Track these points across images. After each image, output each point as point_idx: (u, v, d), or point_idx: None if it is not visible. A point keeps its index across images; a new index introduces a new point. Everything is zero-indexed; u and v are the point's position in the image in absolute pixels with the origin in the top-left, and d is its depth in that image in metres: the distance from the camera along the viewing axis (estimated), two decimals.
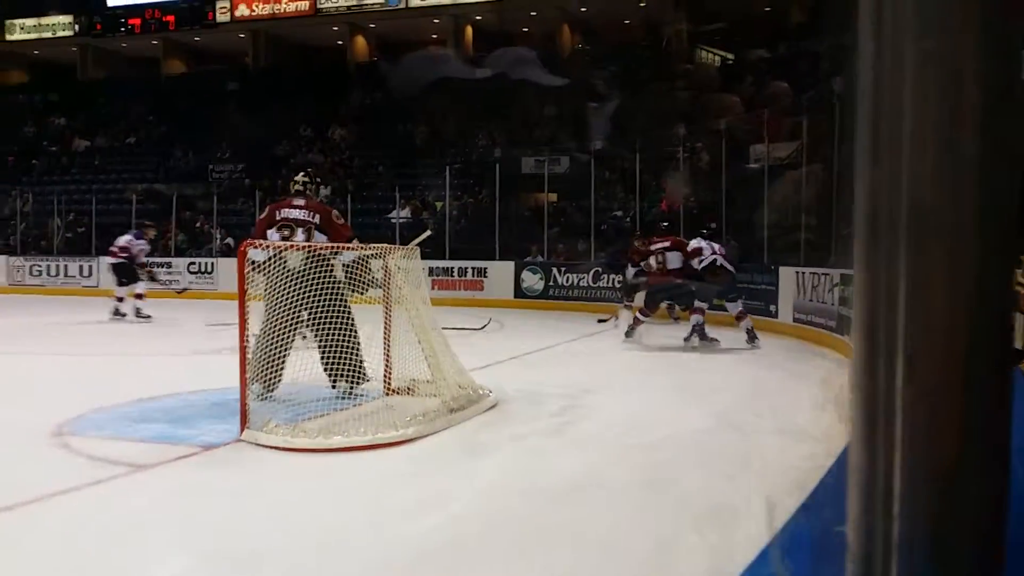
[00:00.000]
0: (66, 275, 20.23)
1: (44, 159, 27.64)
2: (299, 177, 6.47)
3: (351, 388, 5.60)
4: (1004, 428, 0.49)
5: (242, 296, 5.03)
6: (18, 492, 3.65)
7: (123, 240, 12.95)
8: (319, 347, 5.66)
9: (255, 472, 4.25)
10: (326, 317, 5.50)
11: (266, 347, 5.43)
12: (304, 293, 5.42)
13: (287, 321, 5.48)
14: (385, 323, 5.84)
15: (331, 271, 5.60)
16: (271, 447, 4.55)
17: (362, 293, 5.75)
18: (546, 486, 3.96)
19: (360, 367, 5.69)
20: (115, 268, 12.85)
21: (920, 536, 0.50)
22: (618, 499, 3.79)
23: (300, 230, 6.01)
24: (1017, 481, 0.89)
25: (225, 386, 5.45)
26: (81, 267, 20.15)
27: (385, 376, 5.83)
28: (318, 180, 6.62)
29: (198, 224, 21.69)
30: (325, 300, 5.47)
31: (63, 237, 22.19)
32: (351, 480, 4.12)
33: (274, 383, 5.50)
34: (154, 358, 8.77)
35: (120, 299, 12.90)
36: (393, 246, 6.06)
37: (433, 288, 15.17)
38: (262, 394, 5.31)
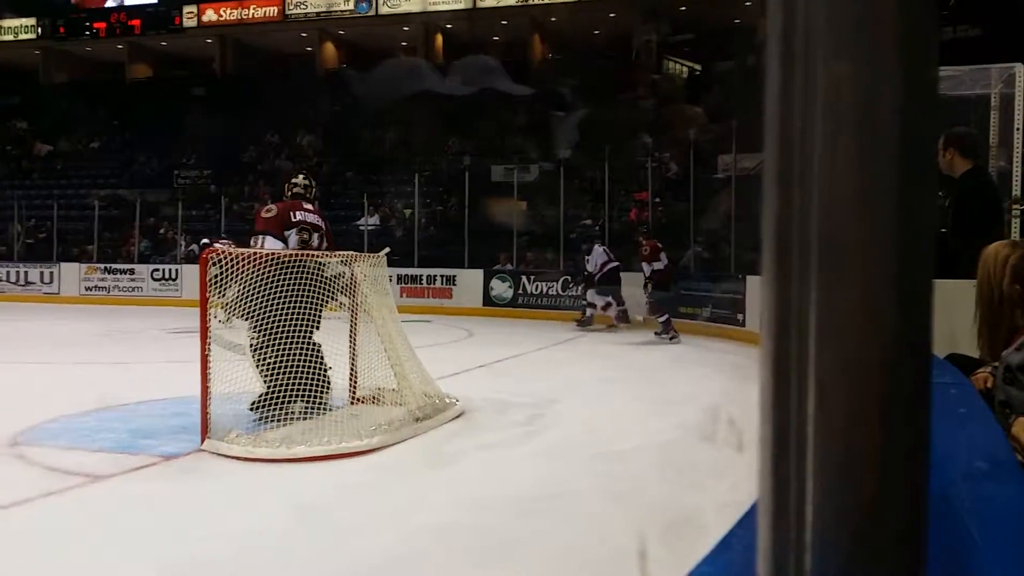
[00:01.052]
0: (27, 282, 19.85)
1: (4, 164, 27.15)
2: (299, 179, 6.11)
3: (322, 398, 5.49)
4: (923, 460, 0.48)
5: (204, 304, 4.96)
6: None
7: None
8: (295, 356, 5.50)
9: (215, 482, 4.19)
10: (309, 329, 5.40)
11: (281, 353, 5.20)
12: (311, 293, 5.29)
13: (298, 322, 5.28)
14: (351, 331, 5.79)
15: (323, 274, 5.51)
16: (232, 457, 4.50)
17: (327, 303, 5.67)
18: (510, 496, 3.94)
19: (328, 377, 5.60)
20: None
21: (834, 571, 0.49)
22: (582, 510, 3.79)
23: (316, 235, 5.85)
24: (955, 504, 0.89)
25: (187, 395, 5.36)
26: (42, 273, 19.79)
27: (350, 385, 5.78)
28: (316, 183, 6.32)
29: (162, 230, 21.42)
30: (316, 312, 5.39)
31: (23, 243, 21.78)
32: (312, 491, 4.07)
33: (325, 388, 5.33)
34: (115, 367, 8.62)
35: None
36: (360, 254, 6.01)
37: (401, 296, 15.14)
38: (317, 406, 5.16)
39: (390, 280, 6.88)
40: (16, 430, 5.01)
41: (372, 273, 5.77)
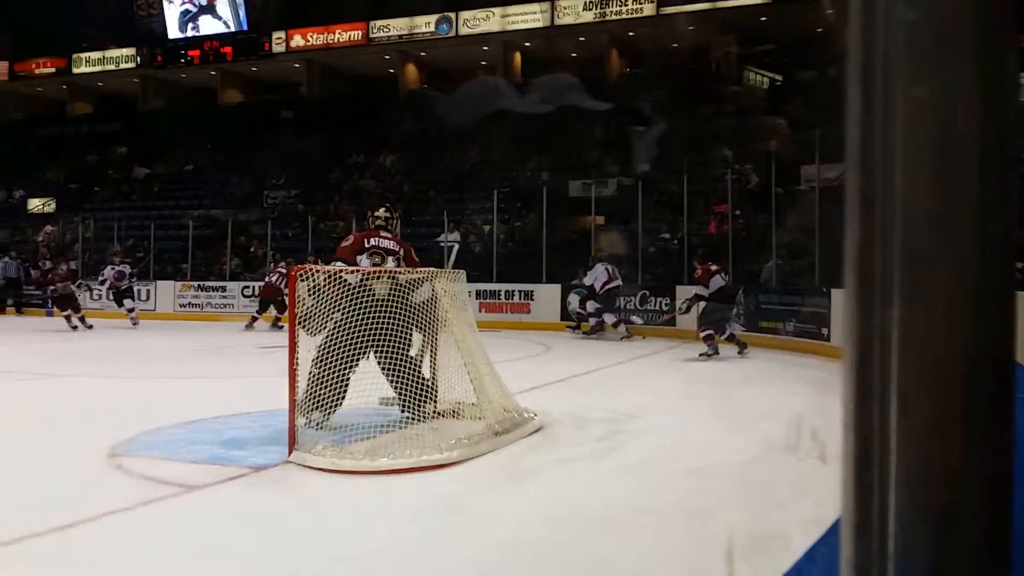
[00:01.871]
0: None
1: (106, 187, 28.53)
2: (380, 212, 6.44)
3: (423, 410, 5.62)
4: (1006, 471, 0.49)
5: (292, 319, 5.13)
6: (75, 511, 3.75)
7: None
8: (389, 374, 5.65)
9: (302, 493, 4.31)
10: (399, 346, 5.52)
11: (335, 371, 5.39)
12: (385, 320, 5.43)
13: (359, 346, 5.47)
14: (431, 346, 5.89)
15: (410, 302, 5.65)
16: (318, 468, 4.60)
17: (424, 332, 5.78)
18: (589, 512, 3.94)
19: (429, 389, 5.73)
20: None
21: None
22: (662, 527, 3.76)
23: (391, 259, 6.10)
24: None
25: (275, 408, 5.53)
26: (139, 291, 20.65)
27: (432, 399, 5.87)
28: (398, 215, 6.66)
29: (252, 249, 22.14)
30: (402, 329, 5.52)
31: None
32: (396, 502, 4.15)
33: (335, 407, 5.47)
34: (207, 380, 8.95)
35: None
36: (439, 270, 6.13)
37: (480, 311, 15.27)
38: (321, 422, 5.29)
39: (469, 295, 6.99)
40: (115, 441, 5.25)
41: (452, 288, 5.86)
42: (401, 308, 5.51)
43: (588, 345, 13.11)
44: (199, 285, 20.35)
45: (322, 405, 5.34)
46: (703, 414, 6.81)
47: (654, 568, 3.25)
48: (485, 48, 28.76)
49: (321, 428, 5.22)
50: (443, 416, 5.73)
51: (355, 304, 5.44)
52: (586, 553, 3.41)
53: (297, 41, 30.51)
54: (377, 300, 5.46)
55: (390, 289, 5.58)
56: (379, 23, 29.34)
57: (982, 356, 0.48)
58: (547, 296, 16.62)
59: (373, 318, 5.39)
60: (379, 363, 5.63)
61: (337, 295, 5.44)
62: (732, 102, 23.25)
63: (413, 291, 5.69)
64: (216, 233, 22.59)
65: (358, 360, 5.52)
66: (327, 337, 5.53)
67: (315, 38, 30.30)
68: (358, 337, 5.39)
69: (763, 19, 25.07)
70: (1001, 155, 0.48)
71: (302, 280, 5.39)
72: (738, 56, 25.50)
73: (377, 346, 5.49)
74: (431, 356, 5.90)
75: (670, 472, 4.75)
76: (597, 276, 13.95)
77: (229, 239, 21.33)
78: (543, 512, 3.97)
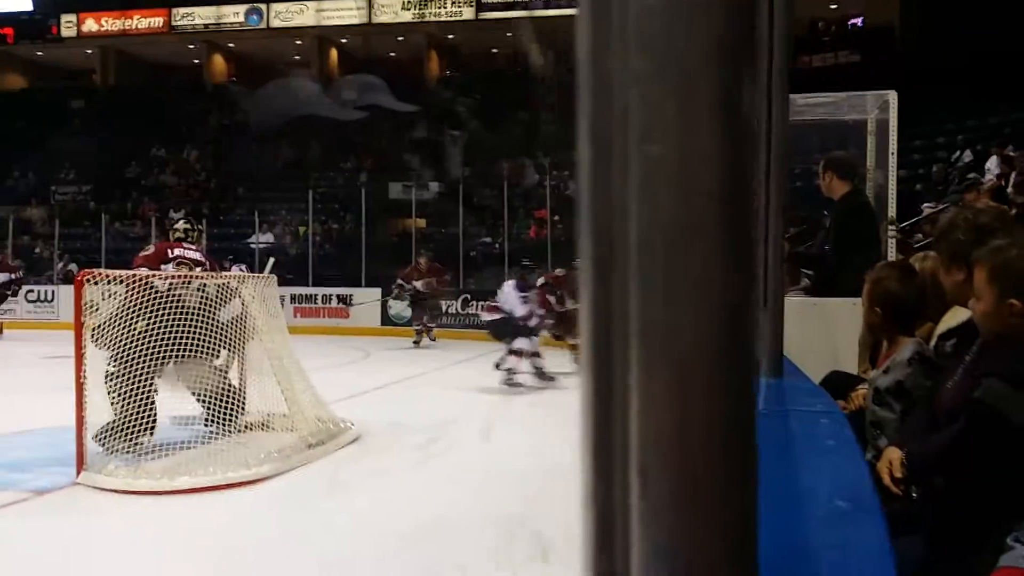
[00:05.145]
0: None
1: None
2: (180, 224, 6.21)
3: (231, 423, 5.29)
4: (752, 542, 0.46)
5: (78, 328, 4.71)
6: None
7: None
8: (192, 385, 5.33)
9: (92, 519, 4.00)
10: (203, 355, 5.19)
11: (139, 384, 5.01)
12: (191, 331, 5.09)
13: (161, 358, 5.10)
14: (239, 354, 5.60)
15: (215, 312, 5.31)
16: (111, 490, 4.31)
17: (231, 351, 5.46)
18: (407, 524, 3.85)
19: (237, 400, 5.39)
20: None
21: None
22: (480, 536, 3.73)
23: (199, 270, 5.78)
24: (810, 551, 0.89)
25: (61, 425, 5.04)
26: None
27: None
28: (199, 228, 6.36)
29: (37, 250, 20.30)
30: (208, 340, 5.19)
31: None
32: (197, 524, 3.90)
33: (150, 429, 5.05)
34: None
35: None
36: (247, 275, 5.85)
37: (295, 316, 14.77)
38: (131, 440, 4.87)
39: (282, 300, 6.72)
40: None
41: (261, 293, 5.60)
42: (209, 320, 5.19)
43: (409, 351, 13.00)
44: None
45: (135, 431, 4.92)
46: (522, 419, 6.90)
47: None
48: (299, 42, 27.89)
49: (137, 455, 4.79)
50: (252, 429, 5.46)
51: (161, 313, 5.06)
52: (404, 566, 3.33)
53: (90, 26, 28.23)
54: (185, 309, 5.11)
55: (199, 300, 5.25)
56: (183, 11, 27.68)
57: (722, 428, 0.44)
58: (366, 300, 16.33)
59: (178, 328, 5.03)
60: (179, 375, 5.26)
61: (142, 302, 5.04)
62: (549, 109, 23.88)
63: (222, 307, 5.39)
64: None
65: (159, 373, 5.14)
66: (125, 348, 5.08)
67: (110, 23, 28.16)
68: (161, 348, 5.01)
69: None
70: (742, 217, 0.44)
71: (93, 284, 4.95)
72: (555, 63, 26.23)
73: (178, 357, 5.13)
74: (239, 364, 5.61)
75: (490, 479, 4.75)
76: None
77: (10, 239, 19.44)
78: (360, 526, 3.86)
